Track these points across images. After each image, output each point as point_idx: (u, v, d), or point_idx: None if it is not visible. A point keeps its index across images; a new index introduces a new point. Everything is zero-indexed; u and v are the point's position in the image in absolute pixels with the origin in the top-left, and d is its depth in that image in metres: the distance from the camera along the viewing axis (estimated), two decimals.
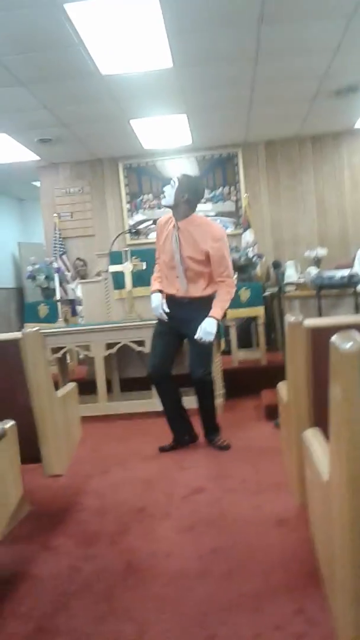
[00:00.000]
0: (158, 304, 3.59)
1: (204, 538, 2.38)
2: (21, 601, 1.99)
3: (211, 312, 3.47)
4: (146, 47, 4.61)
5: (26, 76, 4.98)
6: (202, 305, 3.50)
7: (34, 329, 2.45)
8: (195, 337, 3.46)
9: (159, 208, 7.92)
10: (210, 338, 3.48)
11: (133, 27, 4.26)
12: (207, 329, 3.44)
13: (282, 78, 5.55)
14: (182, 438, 3.76)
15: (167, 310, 3.57)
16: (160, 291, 3.62)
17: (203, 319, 3.46)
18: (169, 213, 3.58)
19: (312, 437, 1.55)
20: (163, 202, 3.60)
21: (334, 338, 1.04)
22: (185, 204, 3.47)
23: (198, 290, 3.51)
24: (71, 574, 2.16)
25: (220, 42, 4.65)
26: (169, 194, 3.47)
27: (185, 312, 3.53)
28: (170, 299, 3.58)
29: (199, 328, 3.44)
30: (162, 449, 3.72)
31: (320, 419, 1.81)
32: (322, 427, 1.62)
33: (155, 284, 3.68)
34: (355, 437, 0.98)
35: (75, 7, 3.91)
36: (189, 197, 3.45)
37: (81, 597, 1.98)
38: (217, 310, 3.48)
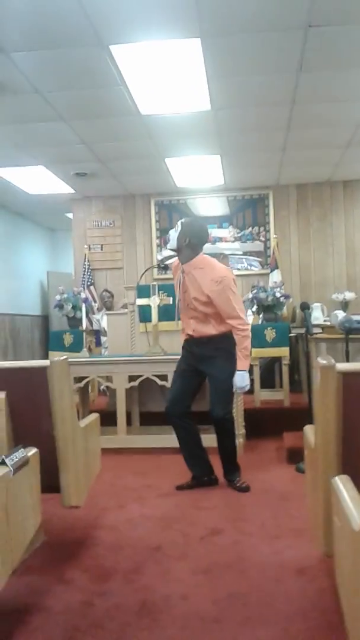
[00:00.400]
0: None
1: (220, 582, 2.31)
2: (32, 634, 1.95)
3: (239, 366, 3.51)
4: (186, 89, 4.74)
5: (68, 112, 5.15)
6: (220, 343, 3.54)
7: (62, 357, 2.46)
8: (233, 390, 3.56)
9: None
10: (245, 389, 3.59)
11: (174, 69, 4.39)
12: (238, 385, 3.53)
13: (317, 124, 5.64)
14: (202, 479, 3.69)
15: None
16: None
17: (222, 356, 3.53)
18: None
19: (342, 484, 1.51)
20: (168, 245, 3.71)
21: None
22: (188, 248, 3.54)
23: (210, 329, 3.54)
24: (84, 609, 2.11)
25: (258, 86, 4.76)
26: (173, 237, 3.57)
27: (203, 349, 3.58)
28: (189, 338, 3.67)
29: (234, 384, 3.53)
30: (180, 487, 3.66)
31: (349, 465, 1.77)
32: (352, 474, 1.58)
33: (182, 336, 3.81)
34: None
35: (120, 48, 4.06)
36: (191, 240, 3.52)
37: (93, 634, 1.93)
38: (242, 362, 3.51)
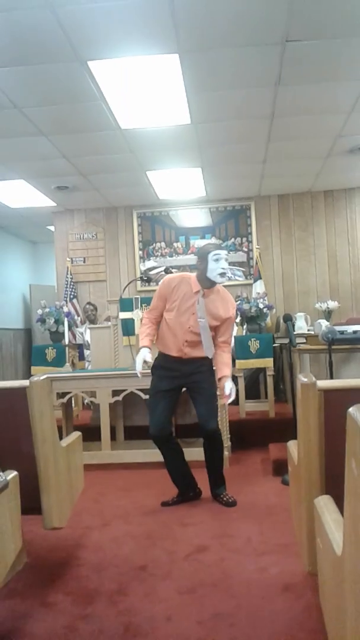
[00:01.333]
0: (141, 362, 3.53)
1: (206, 601, 2.28)
2: None
3: (227, 373, 3.56)
4: (165, 104, 4.76)
5: (47, 127, 5.14)
6: (204, 361, 3.57)
7: (42, 377, 2.43)
8: (227, 393, 3.52)
9: (171, 256, 8.02)
10: (231, 388, 3.56)
11: (153, 84, 4.40)
12: (230, 386, 3.54)
13: (296, 136, 5.68)
14: (187, 495, 3.69)
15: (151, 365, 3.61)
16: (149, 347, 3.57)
17: (208, 371, 3.57)
18: (178, 275, 3.61)
19: (325, 506, 1.50)
20: (223, 279, 3.45)
21: (352, 410, 1.02)
22: None
23: (200, 352, 3.52)
24: (67, 634, 2.07)
25: (237, 100, 4.79)
26: (226, 273, 3.44)
27: (191, 367, 3.54)
28: (172, 358, 3.54)
29: (227, 387, 3.52)
30: (165, 504, 3.64)
31: (332, 485, 1.76)
32: (335, 494, 1.57)
33: (145, 340, 3.58)
34: None
35: (99, 64, 4.06)
36: None
37: None
38: (228, 370, 3.59)
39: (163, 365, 3.59)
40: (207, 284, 3.48)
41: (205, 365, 3.57)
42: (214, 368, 3.63)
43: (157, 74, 4.24)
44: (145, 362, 3.52)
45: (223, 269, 3.41)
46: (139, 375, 3.62)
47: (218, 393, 3.63)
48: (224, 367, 3.58)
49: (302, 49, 3.99)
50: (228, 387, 3.53)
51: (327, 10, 3.57)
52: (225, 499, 3.60)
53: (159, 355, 3.64)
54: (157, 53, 3.97)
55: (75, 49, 3.86)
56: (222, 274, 3.41)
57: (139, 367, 3.54)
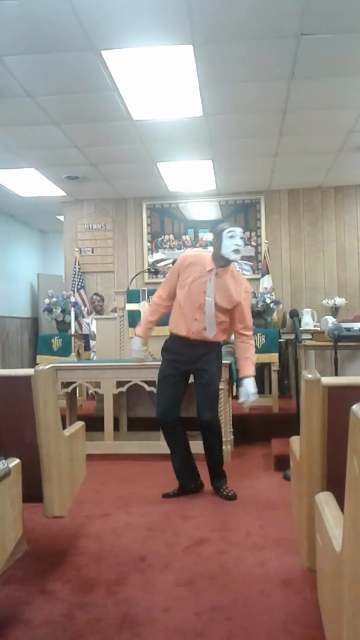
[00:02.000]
0: (139, 349, 3.67)
1: (204, 594, 2.29)
2: None
3: (248, 372, 3.53)
4: (178, 95, 4.73)
5: (60, 116, 5.12)
6: (212, 346, 3.55)
7: (47, 366, 2.43)
8: (240, 401, 3.53)
9: (179, 248, 8.01)
10: (255, 398, 3.53)
11: (167, 76, 4.38)
12: (250, 391, 3.50)
13: (308, 131, 5.64)
14: (188, 486, 3.69)
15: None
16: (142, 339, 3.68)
17: (213, 361, 3.54)
18: (195, 253, 3.62)
19: (325, 502, 1.50)
20: (236, 256, 3.45)
21: (356, 407, 1.01)
22: None
23: (210, 335, 3.50)
24: (65, 622, 2.08)
25: (250, 93, 4.76)
26: (240, 249, 3.44)
27: (196, 352, 3.53)
28: (181, 340, 3.55)
29: (244, 393, 3.50)
30: (166, 495, 3.65)
31: (333, 481, 1.76)
32: (335, 490, 1.57)
33: (142, 328, 3.67)
34: None
35: (113, 54, 4.04)
36: None
37: None
38: (251, 368, 3.54)
39: (171, 348, 3.60)
40: (221, 263, 3.47)
41: (213, 352, 3.55)
42: (221, 358, 3.65)
43: (171, 65, 4.22)
44: (135, 350, 3.66)
45: (237, 245, 3.42)
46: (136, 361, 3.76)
47: (221, 387, 3.62)
48: (244, 364, 3.54)
49: (317, 42, 3.96)
50: (244, 393, 3.49)
51: (343, 4, 3.52)
52: (225, 492, 3.60)
53: (169, 338, 3.64)
54: (171, 44, 3.94)
55: (89, 39, 3.84)
56: (236, 251, 3.42)
57: (138, 355, 3.70)
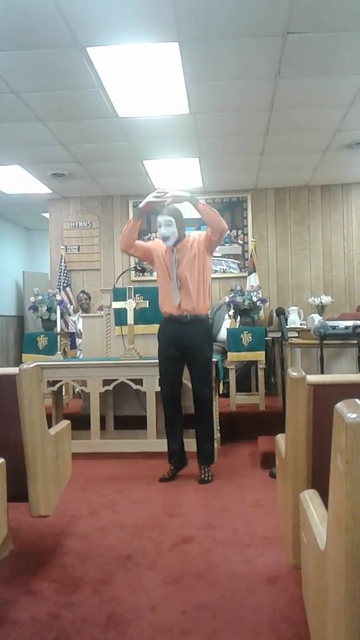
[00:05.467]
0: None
1: (190, 592, 2.29)
2: None
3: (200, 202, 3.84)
4: (164, 93, 4.73)
5: (44, 113, 5.09)
6: (200, 325, 3.88)
7: (32, 364, 2.41)
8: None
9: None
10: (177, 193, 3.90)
11: (152, 73, 4.37)
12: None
13: (295, 129, 5.66)
14: (180, 464, 4.00)
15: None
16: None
17: (203, 339, 3.90)
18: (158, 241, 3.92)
19: (310, 500, 1.50)
20: (168, 242, 3.79)
21: (339, 405, 1.02)
22: (182, 233, 3.85)
23: (194, 304, 3.82)
24: (50, 622, 2.07)
25: (236, 92, 4.76)
26: (172, 233, 3.74)
27: (187, 329, 3.84)
28: (170, 320, 3.87)
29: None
30: (163, 480, 3.88)
31: (318, 479, 1.77)
32: (320, 488, 1.57)
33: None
34: (355, 509, 0.95)
35: (98, 50, 4.02)
36: (184, 226, 3.86)
37: None
38: (203, 204, 3.84)
39: (166, 330, 3.93)
40: (174, 243, 3.80)
41: (200, 333, 3.87)
42: (210, 337, 4.05)
43: (157, 62, 4.21)
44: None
45: (163, 234, 3.74)
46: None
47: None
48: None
49: (303, 41, 3.97)
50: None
51: (329, 3, 3.54)
52: (203, 474, 3.88)
53: (162, 320, 3.99)
54: (157, 41, 3.93)
55: (74, 35, 3.82)
56: (165, 239, 3.78)
57: (148, 198, 3.95)
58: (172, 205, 3.81)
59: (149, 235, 8.06)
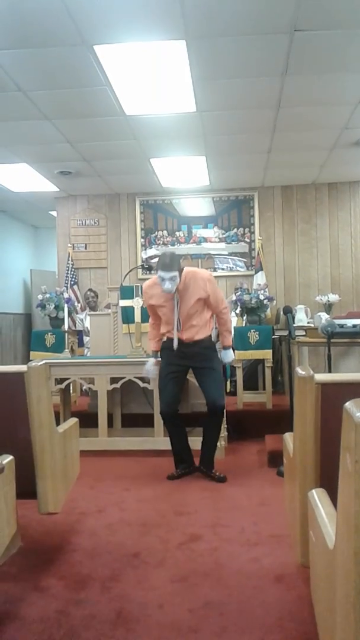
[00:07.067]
0: (150, 369, 4.14)
1: (198, 590, 2.30)
2: None
3: (227, 343, 4.06)
4: (171, 91, 4.72)
5: (52, 111, 5.09)
6: (207, 343, 3.92)
7: (40, 362, 2.42)
8: (225, 362, 4.07)
9: (173, 245, 8.00)
10: (231, 360, 4.16)
11: (159, 71, 4.36)
12: (226, 359, 4.08)
13: (302, 127, 5.64)
14: (187, 467, 4.03)
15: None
16: (157, 352, 4.09)
17: (212, 354, 3.94)
18: (151, 279, 3.93)
19: (319, 499, 1.50)
20: (166, 290, 3.74)
21: (348, 404, 1.02)
22: (179, 277, 3.76)
23: (198, 334, 3.86)
24: (59, 618, 2.09)
25: (244, 89, 4.74)
26: (175, 284, 3.72)
27: (194, 348, 3.87)
28: (179, 342, 3.86)
29: (225, 357, 4.06)
30: (171, 477, 3.94)
31: (327, 478, 1.76)
32: (329, 487, 1.57)
33: (152, 343, 4.12)
34: None
35: (105, 48, 4.02)
36: (179, 272, 3.75)
37: None
38: (228, 339, 4.06)
39: (169, 348, 3.91)
40: (172, 289, 3.77)
41: (208, 349, 3.92)
42: (216, 350, 4.02)
43: (164, 60, 4.20)
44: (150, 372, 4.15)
45: (167, 288, 3.71)
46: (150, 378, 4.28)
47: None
48: (224, 337, 4.04)
49: (311, 38, 3.95)
50: (225, 358, 4.06)
51: (336, 0, 3.52)
52: (216, 475, 3.91)
53: (165, 341, 3.98)
54: (164, 39, 3.92)
55: (81, 33, 3.82)
56: (169, 291, 3.74)
57: (149, 374, 4.19)
58: (171, 254, 3.79)
59: (156, 233, 8.07)
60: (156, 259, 7.97)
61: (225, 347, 4.06)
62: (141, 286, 5.14)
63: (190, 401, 4.93)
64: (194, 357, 3.87)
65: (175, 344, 3.83)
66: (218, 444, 4.48)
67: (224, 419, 4.32)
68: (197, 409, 4.83)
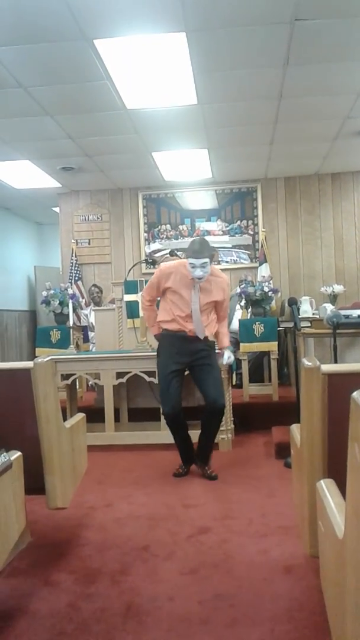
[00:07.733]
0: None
1: (207, 582, 2.31)
2: (18, 639, 1.93)
3: (225, 344, 4.05)
4: (172, 83, 4.70)
5: (53, 107, 5.08)
6: (209, 341, 3.90)
7: (46, 358, 2.43)
8: (224, 363, 4.05)
9: (176, 238, 7.98)
10: (232, 360, 4.16)
11: (160, 64, 4.34)
12: (227, 357, 4.05)
13: (304, 117, 5.61)
14: (190, 462, 4.00)
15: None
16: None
17: (213, 352, 3.91)
18: (174, 263, 3.85)
19: (327, 489, 1.50)
20: (197, 277, 3.69)
21: (356, 394, 1.01)
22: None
23: (207, 330, 3.85)
24: (70, 612, 2.10)
25: (245, 81, 4.72)
26: (206, 272, 3.69)
27: (196, 345, 3.82)
28: (181, 336, 3.80)
29: (224, 357, 4.03)
30: (177, 475, 3.89)
31: (335, 468, 1.76)
32: (337, 477, 1.57)
33: (155, 329, 3.99)
34: None
35: (105, 42, 4.00)
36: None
37: (79, 638, 1.92)
38: (227, 340, 4.07)
39: (169, 344, 3.84)
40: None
41: (210, 347, 3.91)
42: (216, 347, 4.00)
43: (164, 53, 4.18)
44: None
45: (197, 276, 3.67)
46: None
47: (224, 376, 3.77)
48: (221, 338, 4.04)
49: (312, 28, 3.92)
50: (224, 358, 4.03)
51: None
52: (208, 471, 3.86)
53: (165, 334, 3.87)
54: (164, 32, 3.90)
55: (81, 27, 3.80)
56: (199, 279, 3.69)
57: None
58: (201, 240, 3.76)
59: (159, 227, 8.06)
60: (160, 253, 8.02)
61: (224, 347, 4.05)
62: (145, 280, 5.14)
63: (197, 394, 4.93)
64: (195, 354, 3.80)
65: (190, 328, 3.76)
66: (225, 436, 4.52)
67: (227, 417, 4.32)
68: (202, 402, 4.82)
